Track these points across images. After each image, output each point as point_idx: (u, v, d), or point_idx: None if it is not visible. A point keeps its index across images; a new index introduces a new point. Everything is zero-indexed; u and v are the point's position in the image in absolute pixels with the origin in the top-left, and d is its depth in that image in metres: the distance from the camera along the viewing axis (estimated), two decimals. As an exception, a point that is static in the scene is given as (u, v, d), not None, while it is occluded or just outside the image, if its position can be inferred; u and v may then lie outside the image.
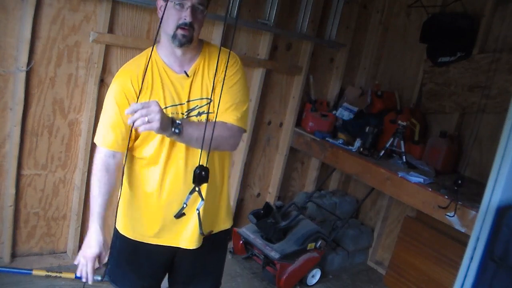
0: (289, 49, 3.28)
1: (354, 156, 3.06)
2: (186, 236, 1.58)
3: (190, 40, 1.44)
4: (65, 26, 2.34)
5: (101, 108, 2.68)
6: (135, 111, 1.27)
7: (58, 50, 2.37)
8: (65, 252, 2.73)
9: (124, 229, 1.62)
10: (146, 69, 1.41)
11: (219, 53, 1.45)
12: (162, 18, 1.41)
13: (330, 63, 3.63)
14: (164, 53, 1.50)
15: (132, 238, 1.61)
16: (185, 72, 1.49)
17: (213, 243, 1.68)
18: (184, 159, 1.50)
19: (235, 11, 2.75)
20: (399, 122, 3.01)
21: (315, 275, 3.05)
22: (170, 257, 1.66)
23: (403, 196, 2.77)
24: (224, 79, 1.45)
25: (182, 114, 1.48)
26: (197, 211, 1.35)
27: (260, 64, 3.05)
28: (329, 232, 3.22)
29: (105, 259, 1.51)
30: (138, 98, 1.41)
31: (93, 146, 2.58)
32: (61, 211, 2.65)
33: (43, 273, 2.49)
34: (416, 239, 3.10)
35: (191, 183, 1.33)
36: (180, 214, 1.37)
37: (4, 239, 2.48)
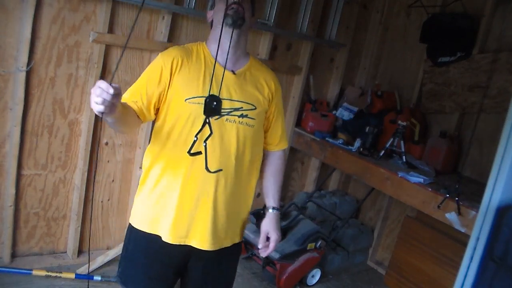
0: (289, 49, 3.28)
1: (354, 156, 3.06)
2: (198, 235, 1.54)
3: (242, 18, 1.46)
4: (65, 26, 2.34)
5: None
6: None
7: (58, 50, 2.37)
8: (65, 252, 2.72)
9: (138, 222, 1.58)
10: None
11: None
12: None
13: (330, 63, 3.63)
14: (213, 47, 1.52)
15: (145, 231, 1.55)
16: (233, 71, 1.51)
17: (227, 252, 1.65)
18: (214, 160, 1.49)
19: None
20: (399, 122, 3.01)
21: (315, 275, 3.05)
22: (183, 261, 1.61)
23: (403, 196, 2.77)
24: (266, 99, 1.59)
25: (222, 109, 1.45)
26: (204, 144, 1.31)
27: (260, 64, 3.04)
28: (329, 232, 3.22)
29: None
30: (171, 77, 1.47)
31: (93, 146, 2.59)
32: (61, 211, 2.65)
33: (43, 273, 2.49)
34: (416, 239, 3.10)
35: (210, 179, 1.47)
36: (195, 152, 1.30)
37: (4, 239, 2.48)
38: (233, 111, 1.49)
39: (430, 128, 3.38)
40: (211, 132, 1.31)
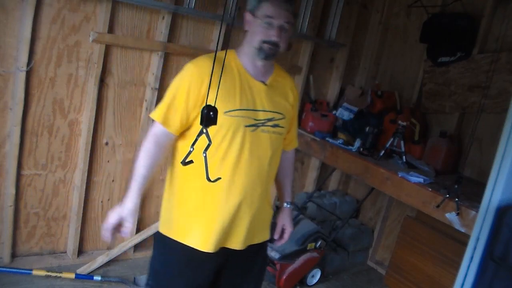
0: (289, 49, 3.28)
1: (354, 156, 3.05)
2: (236, 237, 1.61)
3: (275, 55, 1.54)
4: (65, 26, 2.34)
5: (102, 108, 2.68)
6: None
7: (58, 50, 2.37)
8: (65, 252, 2.72)
9: (176, 234, 1.59)
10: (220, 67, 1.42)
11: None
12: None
13: (330, 63, 3.63)
14: (244, 60, 1.58)
15: (186, 244, 1.57)
16: (263, 82, 1.58)
17: (258, 252, 1.74)
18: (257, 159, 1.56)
19: (233, 11, 2.75)
20: (399, 122, 3.01)
21: (315, 275, 3.05)
22: (220, 266, 1.66)
23: (403, 196, 2.76)
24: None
25: (256, 120, 1.53)
26: (204, 155, 1.33)
27: (260, 64, 3.04)
28: (329, 232, 3.22)
29: (129, 229, 1.52)
30: (208, 94, 1.39)
31: (93, 146, 2.59)
32: (61, 211, 2.65)
33: (43, 273, 2.49)
34: (416, 239, 3.10)
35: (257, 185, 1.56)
36: (187, 161, 1.33)
37: (4, 239, 2.48)
38: (267, 121, 1.56)
39: (430, 128, 3.38)
40: (210, 142, 1.32)
